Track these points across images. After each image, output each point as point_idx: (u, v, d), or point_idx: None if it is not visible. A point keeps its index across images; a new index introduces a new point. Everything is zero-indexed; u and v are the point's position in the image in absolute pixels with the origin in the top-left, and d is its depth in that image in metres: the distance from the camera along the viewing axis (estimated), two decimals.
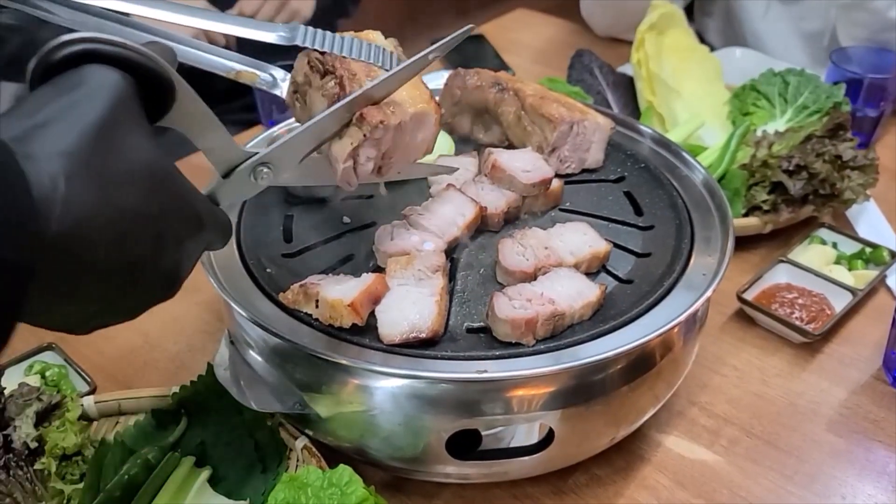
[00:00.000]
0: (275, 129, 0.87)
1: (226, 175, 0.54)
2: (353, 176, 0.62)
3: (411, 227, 0.69)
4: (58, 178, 0.37)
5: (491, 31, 1.63)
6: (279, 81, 0.69)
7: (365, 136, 0.59)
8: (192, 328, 0.90)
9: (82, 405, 0.73)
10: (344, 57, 0.63)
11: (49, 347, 0.83)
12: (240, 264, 0.70)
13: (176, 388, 0.73)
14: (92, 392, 0.79)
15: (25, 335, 0.86)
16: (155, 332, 0.89)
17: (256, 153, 0.55)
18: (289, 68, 0.68)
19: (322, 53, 0.63)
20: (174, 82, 0.46)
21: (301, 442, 0.69)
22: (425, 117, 0.64)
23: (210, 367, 0.71)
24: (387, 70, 0.63)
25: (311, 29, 0.66)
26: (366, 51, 0.65)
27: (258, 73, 0.68)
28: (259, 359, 0.67)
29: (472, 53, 1.53)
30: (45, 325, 0.42)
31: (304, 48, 0.66)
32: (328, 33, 0.66)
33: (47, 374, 0.80)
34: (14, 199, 0.35)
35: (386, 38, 0.68)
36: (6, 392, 0.69)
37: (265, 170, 0.55)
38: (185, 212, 0.46)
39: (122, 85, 0.42)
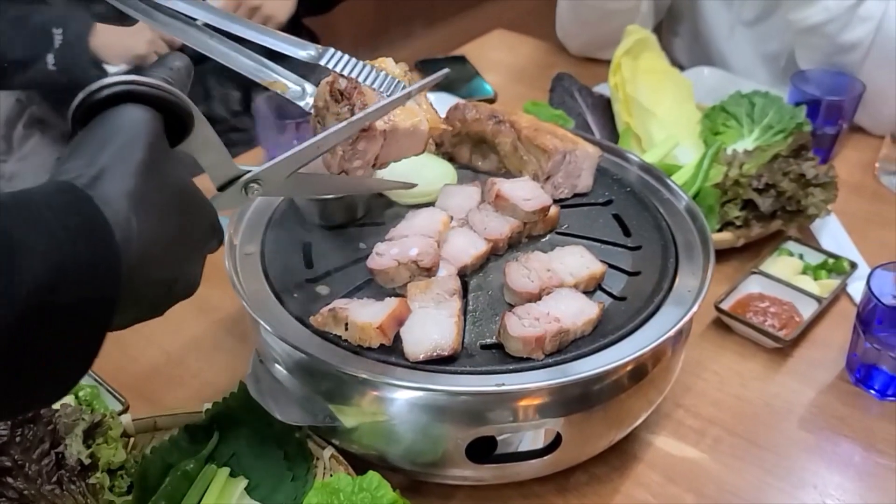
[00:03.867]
0: None
1: (221, 188, 0.61)
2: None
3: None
4: (130, 218, 0.44)
5: (471, 51, 1.71)
6: (307, 95, 0.75)
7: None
8: (211, 346, 0.96)
9: (121, 423, 0.78)
10: (361, 87, 0.70)
11: None
12: (269, 290, 0.76)
13: (209, 405, 0.79)
14: (125, 410, 0.84)
15: None
16: (176, 351, 0.95)
17: (249, 170, 0.61)
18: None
19: (345, 82, 0.69)
20: (194, 115, 0.53)
21: (328, 451, 0.75)
22: (418, 130, 0.71)
23: (242, 384, 0.78)
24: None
25: (338, 53, 0.72)
26: (380, 79, 0.72)
27: (290, 84, 0.74)
28: (290, 376, 0.73)
29: (454, 74, 1.61)
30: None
31: (327, 68, 0.72)
32: (352, 59, 0.72)
33: (80, 394, 0.85)
34: (103, 242, 0.42)
35: (382, 58, 0.75)
36: None
37: (255, 186, 0.62)
38: (206, 223, 0.54)
39: (154, 123, 0.50)
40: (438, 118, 0.72)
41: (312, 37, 1.90)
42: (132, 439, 0.79)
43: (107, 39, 1.44)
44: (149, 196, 0.46)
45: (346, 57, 0.73)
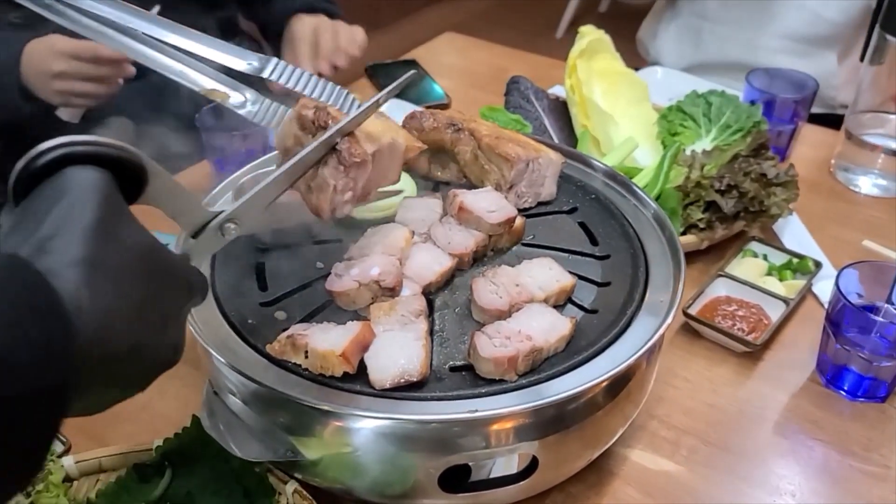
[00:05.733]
0: (240, 175, 0.88)
1: (195, 235, 0.57)
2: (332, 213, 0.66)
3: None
4: (81, 286, 0.39)
5: (422, 55, 1.67)
6: (248, 103, 0.71)
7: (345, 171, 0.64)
8: (161, 376, 0.90)
9: (63, 466, 0.72)
10: (332, 112, 0.67)
11: None
12: (220, 317, 0.71)
13: (159, 441, 0.74)
14: (67, 451, 0.78)
15: None
16: None
17: (223, 212, 0.58)
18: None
19: (314, 112, 0.66)
20: (146, 167, 0.48)
21: (291, 486, 0.71)
22: (396, 146, 0.69)
23: (195, 418, 0.72)
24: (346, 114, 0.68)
25: (281, 63, 0.70)
26: (328, 91, 0.69)
27: (230, 92, 0.70)
28: (247, 408, 0.69)
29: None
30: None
31: (271, 80, 0.70)
32: (297, 69, 0.70)
33: None
34: (54, 317, 0.37)
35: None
36: None
37: (232, 225, 0.58)
38: (178, 282, 0.50)
39: (103, 181, 0.45)
40: (411, 136, 0.71)
41: (257, 47, 1.83)
42: (75, 483, 0.74)
43: (30, 66, 1.21)
44: (102, 261, 0.41)
45: (291, 67, 0.70)
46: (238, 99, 0.71)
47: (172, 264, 0.49)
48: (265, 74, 0.70)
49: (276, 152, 0.76)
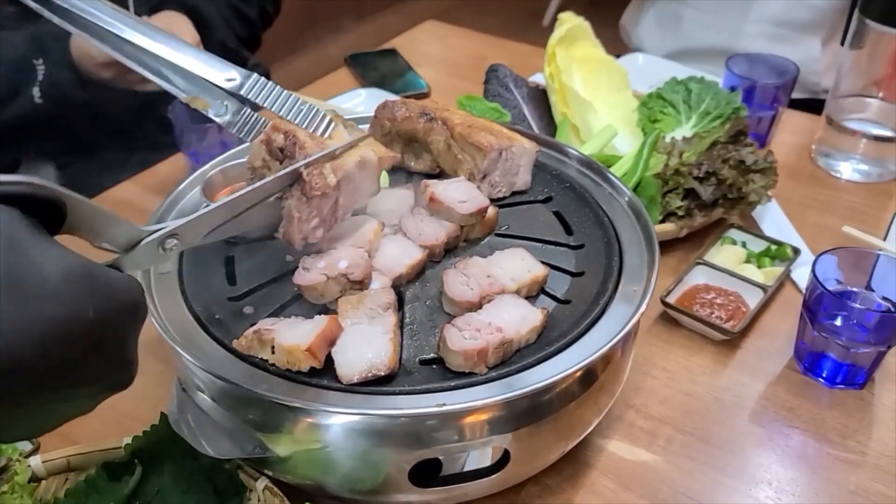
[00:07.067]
0: (209, 168, 0.87)
1: (128, 250, 0.55)
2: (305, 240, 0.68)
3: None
4: None
5: (402, 44, 1.66)
6: (229, 114, 0.72)
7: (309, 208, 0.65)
8: None
9: (30, 466, 0.71)
10: (300, 141, 0.68)
11: None
12: (187, 312, 0.70)
13: (128, 440, 0.73)
14: (36, 450, 0.77)
15: None
16: None
17: (164, 227, 0.57)
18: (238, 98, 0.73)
19: (282, 138, 0.67)
20: (62, 197, 0.47)
21: (262, 483, 0.70)
22: (368, 163, 0.69)
23: (164, 416, 0.71)
24: (321, 137, 0.70)
25: (261, 80, 0.71)
26: (304, 113, 0.69)
27: (211, 101, 0.71)
28: (215, 405, 0.68)
29: (386, 69, 1.56)
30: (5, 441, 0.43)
31: (248, 98, 0.71)
32: (275, 88, 0.72)
33: None
34: None
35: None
36: None
37: (174, 241, 0.57)
38: (118, 301, 0.46)
39: (10, 214, 0.43)
40: (382, 147, 0.71)
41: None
42: (43, 483, 0.72)
43: (82, 49, 1.25)
44: (7, 283, 0.40)
45: (270, 85, 0.71)
46: (219, 109, 0.71)
47: (109, 284, 0.46)
48: (243, 91, 0.70)
49: (247, 144, 0.76)
